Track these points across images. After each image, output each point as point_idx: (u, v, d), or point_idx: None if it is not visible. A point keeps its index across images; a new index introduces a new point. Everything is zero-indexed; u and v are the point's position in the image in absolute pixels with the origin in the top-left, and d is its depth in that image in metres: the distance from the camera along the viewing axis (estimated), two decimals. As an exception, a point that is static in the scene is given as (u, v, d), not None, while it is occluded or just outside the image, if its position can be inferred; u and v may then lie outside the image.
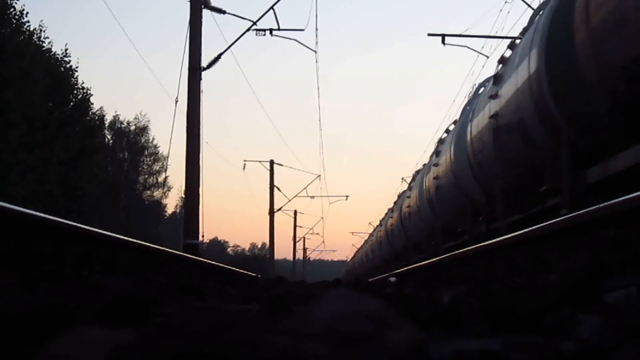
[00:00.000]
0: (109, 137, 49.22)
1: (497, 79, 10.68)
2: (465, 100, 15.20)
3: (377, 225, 36.89)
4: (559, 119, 7.76)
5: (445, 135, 17.03)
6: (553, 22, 7.97)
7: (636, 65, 5.77)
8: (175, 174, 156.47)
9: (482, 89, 11.32)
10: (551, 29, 7.97)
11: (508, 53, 10.71)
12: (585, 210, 5.07)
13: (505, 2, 17.18)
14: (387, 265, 26.55)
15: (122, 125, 51.69)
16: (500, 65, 10.82)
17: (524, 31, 10.34)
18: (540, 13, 9.19)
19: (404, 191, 24.46)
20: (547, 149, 8.23)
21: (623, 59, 6.04)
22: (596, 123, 6.89)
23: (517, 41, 10.45)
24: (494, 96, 10.45)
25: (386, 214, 31.27)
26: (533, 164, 8.81)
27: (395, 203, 27.33)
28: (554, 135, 7.97)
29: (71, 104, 31.76)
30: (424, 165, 19.77)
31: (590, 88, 6.75)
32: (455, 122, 15.67)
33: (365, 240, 48.36)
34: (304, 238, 65.70)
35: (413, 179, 22.35)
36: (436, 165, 16.24)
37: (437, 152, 17.00)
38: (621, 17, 5.99)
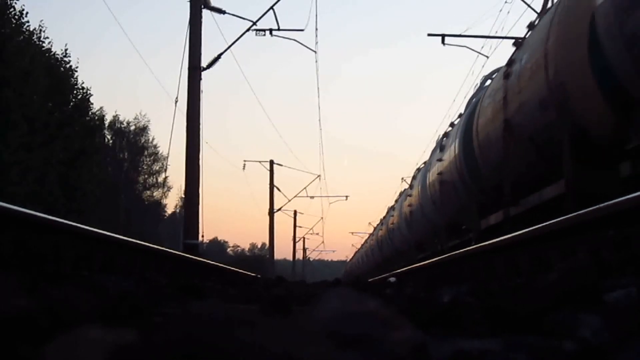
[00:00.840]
0: (109, 137, 49.19)
1: (442, 148, 15.63)
2: (433, 146, 19.41)
3: (370, 234, 42.18)
4: (471, 184, 12.39)
5: (416, 172, 21.62)
6: (465, 127, 12.63)
7: (496, 170, 10.27)
8: (175, 174, 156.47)
9: (445, 139, 15.86)
10: (464, 131, 12.67)
11: (449, 129, 15.87)
12: (585, 210, 5.08)
13: (505, 2, 17.18)
14: (379, 268, 30.44)
15: (122, 125, 51.69)
16: (445, 138, 15.71)
17: (460, 115, 15.36)
18: (473, 100, 13.57)
19: (391, 208, 29.58)
20: (466, 202, 12.85)
21: (490, 164, 10.64)
22: (488, 192, 11.37)
23: (456, 121, 15.31)
24: (439, 159, 15.49)
25: (377, 225, 36.84)
26: (460, 209, 13.49)
27: (384, 217, 32.77)
28: (469, 194, 12.69)
29: (71, 104, 31.71)
30: (404, 190, 25.17)
31: (482, 174, 11.36)
32: (425, 163, 20.27)
33: (362, 245, 52.91)
34: (304, 238, 65.75)
35: (396, 201, 27.76)
36: (410, 195, 21.19)
37: (411, 186, 21.97)
38: (489, 141, 10.54)
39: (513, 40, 13.57)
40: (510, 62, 9.81)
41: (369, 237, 43.71)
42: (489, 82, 12.98)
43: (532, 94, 8.40)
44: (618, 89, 6.28)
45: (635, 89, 6.07)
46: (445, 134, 15.74)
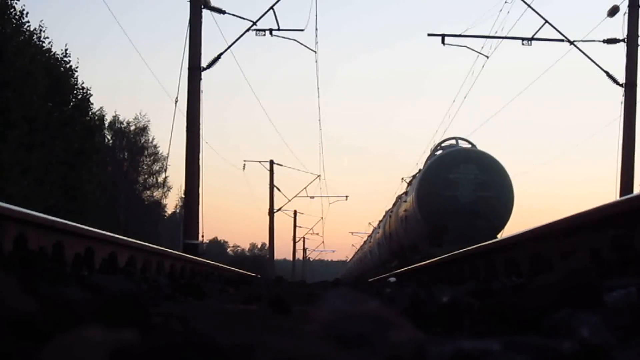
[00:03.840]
0: (109, 137, 49.17)
1: (378, 227, 33.16)
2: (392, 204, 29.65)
3: (361, 246, 51.84)
4: (386, 248, 26.70)
5: (381, 218, 32.40)
6: (384, 224, 29.12)
7: (389, 245, 26.61)
8: (175, 174, 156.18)
9: (379, 227, 31.97)
10: (384, 225, 28.83)
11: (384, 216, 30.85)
12: (585, 210, 5.08)
13: (505, 2, 17.23)
14: (368, 275, 38.40)
15: (122, 125, 51.66)
16: (378, 227, 32.98)
17: (384, 213, 31.60)
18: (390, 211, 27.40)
19: (372, 231, 39.51)
20: (386, 254, 27.27)
21: (389, 244, 26.13)
22: (391, 252, 26.10)
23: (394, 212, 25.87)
24: (377, 233, 32.35)
25: (365, 241, 47.56)
26: (386, 255, 27.36)
27: (364, 241, 47.15)
28: (385, 251, 27.69)
29: (71, 104, 31.70)
30: (378, 224, 35.01)
31: (390, 246, 25.95)
32: (389, 210, 29.80)
33: (354, 255, 61.98)
34: (304, 238, 65.74)
35: (372, 231, 39.52)
36: (376, 235, 33.04)
37: (378, 226, 33.56)
38: (389, 233, 25.89)
39: (515, 41, 17.73)
40: (392, 212, 25.35)
41: (358, 250, 53.35)
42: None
43: (391, 227, 24.48)
44: (400, 235, 21.93)
45: (403, 242, 21.44)
46: (380, 222, 32.47)
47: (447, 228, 16.79)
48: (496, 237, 13.81)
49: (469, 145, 19.52)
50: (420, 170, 19.46)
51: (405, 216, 19.93)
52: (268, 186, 37.25)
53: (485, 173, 17.28)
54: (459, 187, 17.10)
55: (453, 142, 19.92)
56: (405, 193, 20.80)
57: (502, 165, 17.78)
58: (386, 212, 29.17)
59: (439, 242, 16.53)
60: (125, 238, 7.42)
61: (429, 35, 18.23)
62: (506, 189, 17.46)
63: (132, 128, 52.19)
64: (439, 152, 19.44)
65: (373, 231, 38.50)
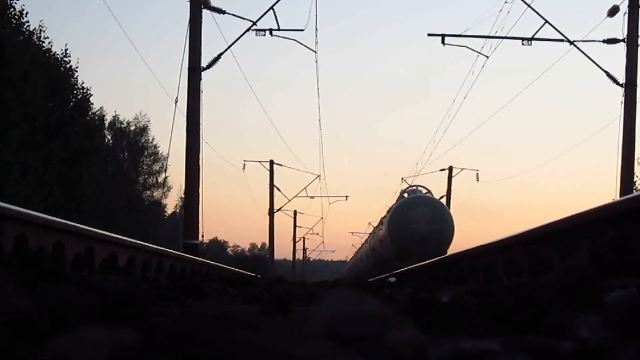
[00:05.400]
0: (109, 137, 49.16)
1: (365, 242, 42.01)
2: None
3: (355, 252, 56.81)
4: (372, 258, 33.35)
5: (368, 236, 39.10)
6: (370, 241, 35.54)
7: (371, 258, 33.90)
8: (175, 174, 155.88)
9: (366, 243, 38.38)
10: (370, 240, 35.57)
11: (371, 236, 36.87)
12: (585, 210, 5.08)
13: (505, 2, 17.26)
14: (364, 276, 44.57)
15: (122, 125, 51.67)
16: (366, 242, 41.01)
17: (375, 226, 35.46)
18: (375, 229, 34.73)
19: (365, 241, 44.98)
20: (371, 264, 33.39)
21: (373, 256, 33.09)
22: (374, 263, 32.74)
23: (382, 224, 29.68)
24: (365, 247, 40.14)
25: (359, 248, 52.85)
26: (370, 265, 33.64)
27: (361, 246, 51.82)
28: (371, 261, 33.69)
29: (71, 104, 31.71)
30: (365, 241, 42.98)
31: (374, 257, 32.61)
32: (373, 230, 36.17)
33: (353, 256, 65.01)
34: (304, 238, 65.73)
35: (361, 246, 47.99)
36: (365, 247, 38.98)
37: (365, 243, 41.07)
38: (371, 249, 33.81)
39: (515, 41, 17.93)
40: (374, 233, 33.34)
41: (353, 257, 57.05)
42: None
43: (373, 245, 32.17)
44: (379, 251, 29.37)
45: (383, 255, 28.12)
46: (367, 239, 38.79)
47: (409, 249, 24.22)
48: (445, 254, 18.92)
49: (426, 191, 28.59)
50: (392, 207, 27.73)
51: (381, 239, 28.31)
52: (268, 186, 37.28)
53: (435, 212, 25.32)
54: (417, 221, 24.91)
55: (414, 188, 29.14)
56: (382, 222, 29.15)
57: (446, 207, 28.01)
58: (373, 229, 35.91)
59: (403, 259, 22.99)
60: (125, 238, 7.42)
61: (429, 35, 18.26)
62: (449, 222, 25.48)
63: (132, 128, 52.24)
64: (405, 194, 28.18)
65: (365, 241, 44.35)
